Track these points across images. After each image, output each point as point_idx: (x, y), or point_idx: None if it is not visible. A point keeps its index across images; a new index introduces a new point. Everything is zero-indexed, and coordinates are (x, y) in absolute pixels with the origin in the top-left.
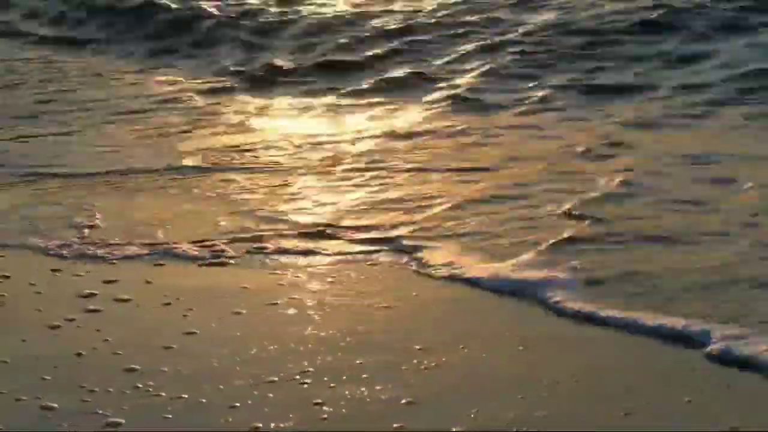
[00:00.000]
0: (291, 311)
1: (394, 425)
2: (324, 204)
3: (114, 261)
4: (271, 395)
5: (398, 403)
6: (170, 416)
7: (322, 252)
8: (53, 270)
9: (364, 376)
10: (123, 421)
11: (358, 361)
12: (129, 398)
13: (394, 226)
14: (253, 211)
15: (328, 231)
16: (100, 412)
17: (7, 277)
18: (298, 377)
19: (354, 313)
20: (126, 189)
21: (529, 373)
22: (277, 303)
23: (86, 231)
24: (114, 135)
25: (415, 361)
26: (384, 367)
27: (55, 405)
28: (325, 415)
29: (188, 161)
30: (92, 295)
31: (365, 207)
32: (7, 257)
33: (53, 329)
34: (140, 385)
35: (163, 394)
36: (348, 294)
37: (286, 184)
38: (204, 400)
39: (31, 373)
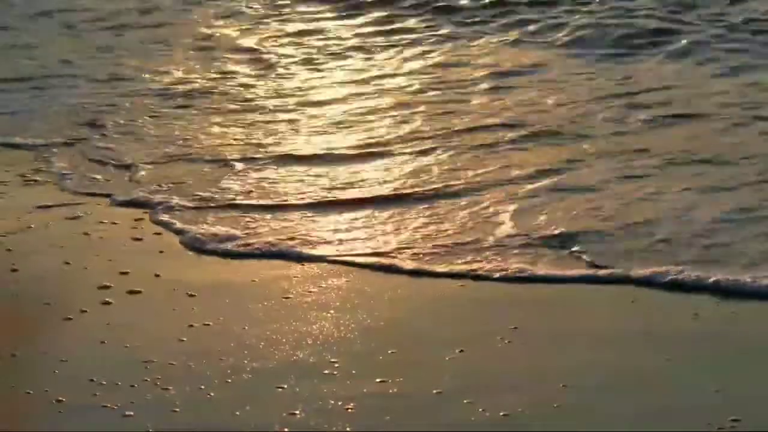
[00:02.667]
0: (304, 305)
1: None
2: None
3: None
4: (283, 391)
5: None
6: (179, 410)
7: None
8: (65, 262)
9: (385, 370)
10: (132, 414)
11: (376, 356)
12: (138, 392)
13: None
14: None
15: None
16: (109, 405)
17: (16, 270)
18: (313, 372)
19: (369, 308)
20: None
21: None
22: (289, 296)
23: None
24: None
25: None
26: (405, 360)
27: (64, 399)
28: (350, 410)
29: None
30: (103, 287)
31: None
32: (15, 251)
33: (63, 322)
34: (149, 379)
35: (172, 387)
36: (363, 287)
37: None
38: (213, 394)
39: (41, 366)
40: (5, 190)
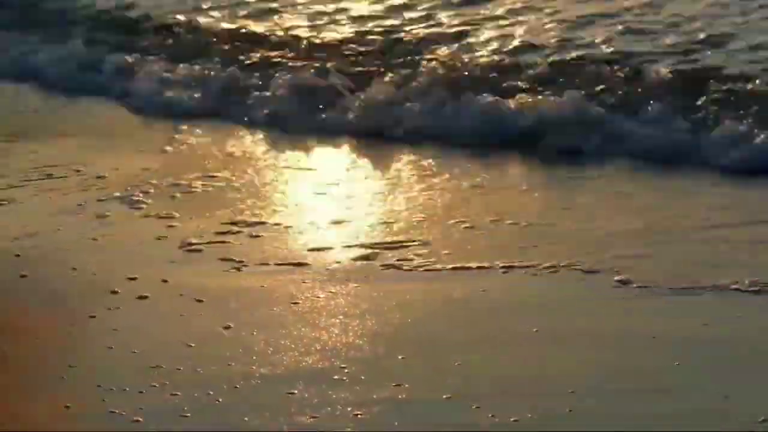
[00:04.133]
0: (312, 310)
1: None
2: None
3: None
4: (292, 396)
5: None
6: (187, 415)
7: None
8: (72, 268)
9: (394, 375)
10: (140, 419)
11: (385, 361)
12: (146, 397)
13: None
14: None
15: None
16: (117, 411)
17: (24, 276)
18: (322, 378)
19: (378, 313)
20: None
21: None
22: (297, 302)
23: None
24: None
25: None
26: (414, 365)
27: (71, 405)
28: (360, 415)
29: None
30: (111, 293)
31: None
32: (23, 256)
33: (71, 327)
34: (157, 384)
35: (180, 393)
36: (371, 292)
37: None
38: (221, 400)
39: (48, 372)
40: (14, 196)
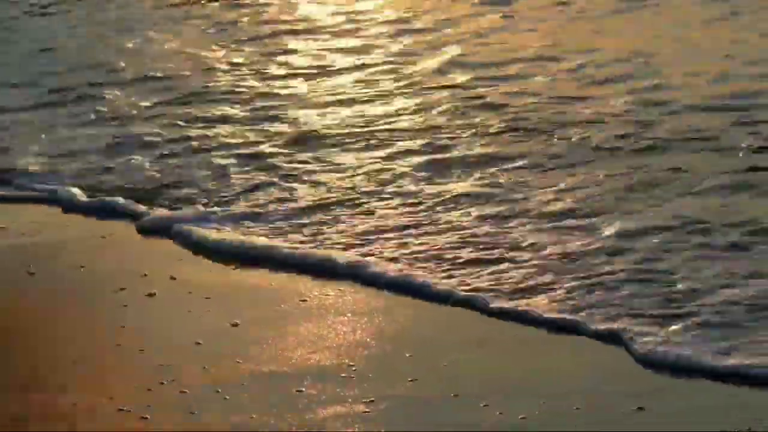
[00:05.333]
0: (320, 309)
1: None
2: None
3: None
4: (300, 394)
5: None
6: (195, 412)
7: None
8: (80, 266)
9: (402, 373)
10: (148, 417)
11: (393, 359)
12: (154, 395)
13: None
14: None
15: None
16: (125, 408)
17: (33, 273)
18: (330, 376)
19: (386, 311)
20: None
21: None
22: (306, 300)
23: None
24: None
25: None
26: (422, 364)
27: (79, 402)
28: (367, 413)
29: None
30: (120, 290)
31: None
32: (31, 254)
33: (79, 325)
34: (165, 382)
35: (188, 390)
36: (380, 291)
37: None
38: (229, 397)
39: (56, 369)
40: None
